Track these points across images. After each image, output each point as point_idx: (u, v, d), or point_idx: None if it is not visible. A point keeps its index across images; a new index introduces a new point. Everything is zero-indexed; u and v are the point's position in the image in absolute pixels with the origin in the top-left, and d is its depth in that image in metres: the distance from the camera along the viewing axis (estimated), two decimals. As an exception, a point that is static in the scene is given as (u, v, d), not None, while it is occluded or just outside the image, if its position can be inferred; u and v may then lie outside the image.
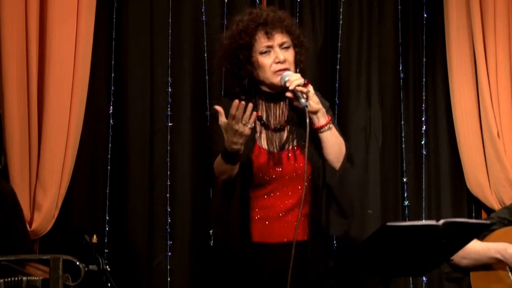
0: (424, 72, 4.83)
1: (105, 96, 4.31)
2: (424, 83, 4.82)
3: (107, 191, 4.25)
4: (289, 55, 3.08)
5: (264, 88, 3.12)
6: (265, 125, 3.04)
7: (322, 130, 3.02)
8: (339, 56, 4.68)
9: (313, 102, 2.99)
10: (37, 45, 3.97)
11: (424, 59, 4.83)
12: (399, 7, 4.80)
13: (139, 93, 4.34)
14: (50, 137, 3.97)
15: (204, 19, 4.45)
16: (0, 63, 3.91)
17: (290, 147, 3.05)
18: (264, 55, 3.05)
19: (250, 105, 2.86)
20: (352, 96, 4.68)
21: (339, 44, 4.68)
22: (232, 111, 2.82)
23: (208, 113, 4.34)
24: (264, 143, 3.05)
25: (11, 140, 3.89)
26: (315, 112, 3.02)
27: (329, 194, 3.07)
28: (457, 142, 4.69)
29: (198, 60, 4.42)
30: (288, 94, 2.99)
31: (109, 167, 4.26)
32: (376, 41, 4.74)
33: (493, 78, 4.60)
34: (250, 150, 2.98)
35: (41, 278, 2.84)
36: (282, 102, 3.13)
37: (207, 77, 4.41)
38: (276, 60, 3.03)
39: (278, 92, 3.08)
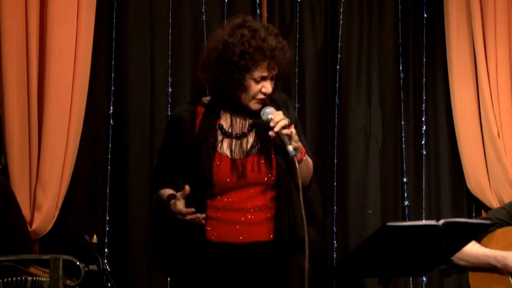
0: (424, 72, 4.83)
1: (105, 96, 4.31)
2: (424, 83, 4.82)
3: (107, 191, 4.25)
4: (273, 85, 3.05)
5: (235, 102, 3.06)
6: (226, 134, 3.01)
7: (297, 163, 2.93)
8: (339, 56, 4.68)
9: (294, 141, 2.91)
10: (37, 46, 3.97)
11: (424, 59, 4.83)
12: (399, 7, 4.80)
13: (139, 93, 4.34)
14: (50, 137, 3.97)
15: (204, 19, 4.45)
16: (0, 64, 3.91)
17: (255, 153, 3.02)
18: (256, 82, 2.99)
19: (202, 216, 2.88)
20: (352, 96, 4.68)
21: (339, 44, 4.68)
22: (186, 217, 2.87)
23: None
24: (225, 151, 3.01)
25: (11, 140, 3.89)
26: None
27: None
28: (457, 142, 4.69)
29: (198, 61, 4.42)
30: (271, 134, 2.89)
31: (109, 167, 4.26)
32: (376, 41, 4.74)
33: (493, 78, 4.60)
34: (211, 158, 2.93)
35: (47, 279, 2.83)
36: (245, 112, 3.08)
37: (207, 77, 4.41)
38: (263, 90, 2.99)
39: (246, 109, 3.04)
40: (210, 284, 2.94)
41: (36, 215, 3.94)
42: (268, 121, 2.91)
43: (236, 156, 2.98)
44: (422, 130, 4.79)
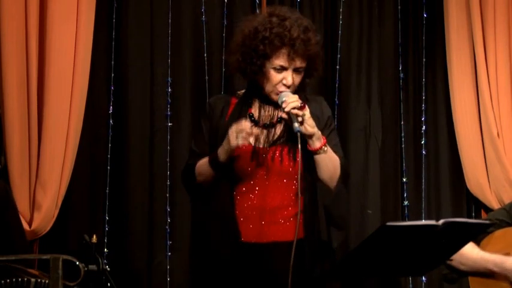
0: (424, 72, 4.83)
1: (105, 96, 4.31)
2: (424, 83, 4.83)
3: (107, 191, 4.25)
4: (298, 79, 3.00)
5: (263, 92, 3.07)
6: (255, 121, 3.01)
7: (316, 153, 2.94)
8: (338, 56, 4.68)
9: (309, 125, 2.90)
10: (37, 45, 3.97)
11: (424, 59, 4.83)
12: (399, 7, 4.80)
13: (139, 93, 4.34)
14: (49, 136, 3.97)
15: (204, 19, 4.45)
16: (0, 64, 3.91)
17: (279, 144, 3.01)
18: (276, 71, 2.99)
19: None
20: (352, 96, 4.68)
21: (339, 44, 4.68)
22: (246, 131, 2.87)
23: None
24: (250, 138, 3.01)
25: (11, 140, 3.89)
26: (310, 136, 2.93)
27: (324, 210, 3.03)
28: (457, 142, 4.69)
29: (198, 61, 4.42)
30: (283, 115, 2.92)
31: (109, 167, 4.26)
32: (376, 41, 4.75)
33: (492, 78, 4.60)
34: None
35: (47, 280, 2.82)
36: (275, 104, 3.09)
37: (207, 77, 4.42)
38: (284, 81, 2.98)
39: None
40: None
41: (35, 214, 3.94)
42: (282, 103, 2.92)
43: (260, 145, 2.98)
44: (422, 130, 4.79)
